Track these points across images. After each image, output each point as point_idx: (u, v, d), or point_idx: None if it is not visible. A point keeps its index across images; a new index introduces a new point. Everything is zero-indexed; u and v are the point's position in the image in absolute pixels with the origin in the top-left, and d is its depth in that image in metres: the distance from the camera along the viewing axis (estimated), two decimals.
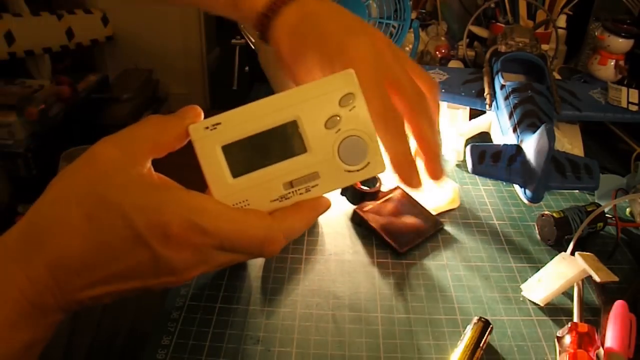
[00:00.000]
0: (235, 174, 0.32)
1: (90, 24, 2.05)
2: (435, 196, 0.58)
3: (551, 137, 0.46)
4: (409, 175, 0.35)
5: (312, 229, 0.51)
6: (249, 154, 0.32)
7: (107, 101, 2.01)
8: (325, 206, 0.34)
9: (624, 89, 0.66)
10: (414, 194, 0.57)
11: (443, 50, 0.83)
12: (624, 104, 0.64)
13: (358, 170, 0.34)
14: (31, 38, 1.75)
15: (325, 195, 0.34)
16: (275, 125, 0.32)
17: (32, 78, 1.79)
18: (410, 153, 0.36)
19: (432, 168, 0.37)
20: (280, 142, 0.33)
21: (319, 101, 0.32)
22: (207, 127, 0.32)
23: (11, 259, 0.29)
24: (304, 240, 0.50)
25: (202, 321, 0.41)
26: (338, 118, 0.33)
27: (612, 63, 0.76)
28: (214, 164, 0.32)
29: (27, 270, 0.28)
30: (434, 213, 0.55)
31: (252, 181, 0.33)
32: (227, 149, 0.32)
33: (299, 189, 0.33)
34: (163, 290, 0.42)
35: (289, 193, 0.33)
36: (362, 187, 0.53)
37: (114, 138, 0.31)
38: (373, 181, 0.54)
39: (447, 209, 0.57)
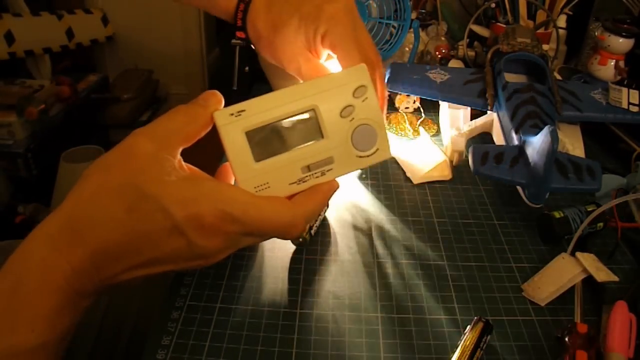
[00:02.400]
0: (258, 158, 0.34)
1: (90, 24, 2.05)
2: (424, 161, 0.62)
3: (554, 139, 0.46)
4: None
5: (319, 230, 0.51)
6: (270, 140, 0.34)
7: (107, 101, 2.01)
8: (336, 188, 0.37)
9: (625, 90, 0.66)
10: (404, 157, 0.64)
11: (443, 50, 0.83)
12: (624, 105, 0.64)
13: (368, 156, 0.37)
14: (31, 38, 1.75)
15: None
16: (296, 112, 0.34)
17: (32, 78, 1.79)
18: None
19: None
20: (300, 129, 0.35)
21: (335, 92, 0.35)
22: (232, 114, 0.33)
23: (56, 249, 0.30)
24: (305, 241, 0.50)
25: (202, 321, 0.41)
26: (352, 108, 0.35)
27: (612, 63, 0.76)
28: (237, 149, 0.34)
29: (71, 260, 0.30)
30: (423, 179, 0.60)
31: (273, 165, 0.35)
32: (251, 135, 0.34)
33: (315, 173, 0.36)
34: (165, 290, 0.43)
35: (306, 176, 0.35)
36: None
37: (148, 130, 0.33)
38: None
39: (438, 178, 0.61)
